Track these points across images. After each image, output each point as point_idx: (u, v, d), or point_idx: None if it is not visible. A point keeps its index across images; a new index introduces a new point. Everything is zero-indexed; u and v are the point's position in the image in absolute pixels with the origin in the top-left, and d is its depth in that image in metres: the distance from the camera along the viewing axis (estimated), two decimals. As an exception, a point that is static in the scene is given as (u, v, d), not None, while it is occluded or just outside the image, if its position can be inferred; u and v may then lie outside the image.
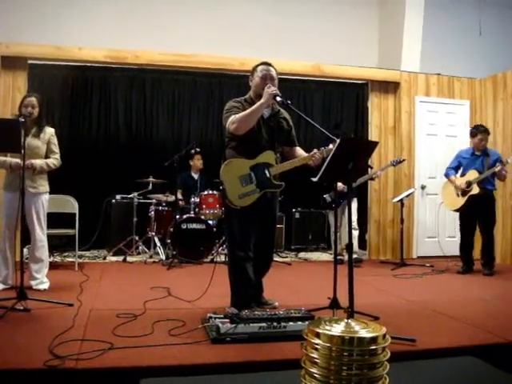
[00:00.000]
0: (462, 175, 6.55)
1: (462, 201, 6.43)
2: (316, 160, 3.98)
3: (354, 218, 7.23)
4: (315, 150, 4.01)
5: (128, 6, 7.90)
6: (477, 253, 6.73)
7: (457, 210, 6.59)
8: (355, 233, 7.27)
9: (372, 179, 7.21)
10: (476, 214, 6.44)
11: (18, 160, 4.49)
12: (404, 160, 7.10)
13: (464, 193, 6.40)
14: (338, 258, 4.40)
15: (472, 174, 6.39)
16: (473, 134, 6.59)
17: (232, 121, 3.95)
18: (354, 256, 7.06)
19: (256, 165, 3.98)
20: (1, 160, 4.66)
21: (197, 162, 7.81)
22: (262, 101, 3.89)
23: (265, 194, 4.00)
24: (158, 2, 8.12)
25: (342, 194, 6.83)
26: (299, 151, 4.29)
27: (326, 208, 7.26)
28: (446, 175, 6.70)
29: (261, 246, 4.14)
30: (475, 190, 6.32)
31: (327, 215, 7.77)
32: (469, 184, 6.35)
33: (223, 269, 4.24)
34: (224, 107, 4.14)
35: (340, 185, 6.72)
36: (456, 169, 6.67)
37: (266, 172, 4.00)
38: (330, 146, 3.86)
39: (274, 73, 4.09)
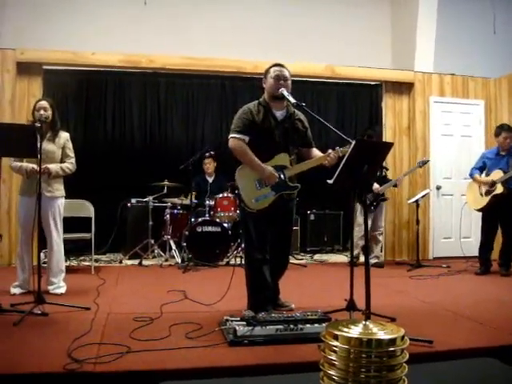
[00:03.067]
0: (487, 176, 6.48)
1: (485, 200, 6.37)
2: (331, 160, 3.93)
3: (383, 223, 7.25)
4: (330, 151, 3.98)
5: (141, 11, 7.93)
6: (495, 253, 6.64)
7: (480, 210, 6.53)
8: (381, 238, 7.27)
9: (395, 186, 7.15)
10: (499, 213, 6.37)
11: (33, 165, 4.52)
12: (429, 160, 7.07)
13: (488, 192, 6.35)
14: (354, 259, 4.38)
15: (497, 174, 6.32)
16: (496, 133, 6.49)
17: (233, 144, 3.99)
18: (376, 260, 7.05)
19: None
20: (17, 166, 4.69)
21: (209, 166, 7.82)
22: (259, 174, 3.93)
23: (281, 197, 4.00)
24: (171, 6, 8.15)
25: (377, 196, 6.88)
26: (316, 152, 4.26)
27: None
28: (471, 175, 6.64)
29: (277, 248, 4.14)
30: (499, 189, 6.24)
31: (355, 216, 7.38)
32: (493, 183, 6.29)
33: (239, 271, 4.24)
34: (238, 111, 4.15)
35: (376, 187, 6.76)
36: (481, 169, 6.59)
37: (281, 174, 4.00)
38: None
39: (286, 73, 4.08)
